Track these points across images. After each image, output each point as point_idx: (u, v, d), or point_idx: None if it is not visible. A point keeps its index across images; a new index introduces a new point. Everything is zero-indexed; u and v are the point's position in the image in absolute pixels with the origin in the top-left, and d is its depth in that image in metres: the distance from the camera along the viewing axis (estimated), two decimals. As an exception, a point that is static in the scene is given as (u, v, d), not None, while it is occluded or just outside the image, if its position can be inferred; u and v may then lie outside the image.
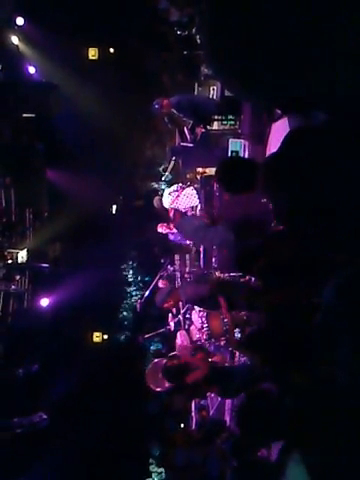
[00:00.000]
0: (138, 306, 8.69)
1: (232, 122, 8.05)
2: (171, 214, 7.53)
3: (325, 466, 2.45)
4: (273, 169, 2.54)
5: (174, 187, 8.10)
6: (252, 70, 1.89)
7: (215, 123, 8.28)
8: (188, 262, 8.44)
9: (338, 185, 2.22)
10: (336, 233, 2.39)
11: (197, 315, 6.07)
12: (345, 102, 2.00)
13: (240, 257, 4.07)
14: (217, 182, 3.20)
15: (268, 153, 4.96)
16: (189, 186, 8.07)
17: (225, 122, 8.21)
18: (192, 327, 6.95)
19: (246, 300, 5.09)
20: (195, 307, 6.36)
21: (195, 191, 7.93)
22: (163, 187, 8.85)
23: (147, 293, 8.45)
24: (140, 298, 8.58)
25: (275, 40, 1.79)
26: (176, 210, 7.42)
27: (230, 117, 8.09)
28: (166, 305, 7.04)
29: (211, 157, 7.18)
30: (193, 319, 6.56)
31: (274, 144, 4.51)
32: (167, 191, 8.12)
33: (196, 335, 6.81)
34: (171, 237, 8.33)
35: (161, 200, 8.11)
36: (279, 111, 3.80)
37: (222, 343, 5.86)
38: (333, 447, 2.42)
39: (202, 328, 6.30)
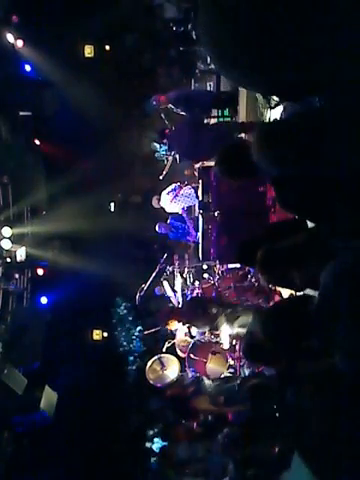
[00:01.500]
0: (137, 299, 8.69)
1: (229, 118, 8.06)
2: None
3: (325, 457, 2.45)
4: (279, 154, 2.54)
5: (172, 186, 8.11)
6: (252, 60, 1.90)
7: (212, 120, 8.29)
8: (187, 262, 8.45)
9: (344, 171, 2.21)
10: (341, 220, 2.39)
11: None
12: (346, 88, 2.01)
13: (240, 249, 4.05)
14: (217, 165, 3.15)
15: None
16: (186, 185, 8.08)
17: (221, 119, 8.21)
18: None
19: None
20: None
21: (193, 190, 7.94)
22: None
23: (145, 286, 8.47)
24: (139, 291, 8.58)
25: (275, 29, 1.79)
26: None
27: (226, 113, 8.10)
28: (168, 327, 7.11)
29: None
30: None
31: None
32: (165, 191, 8.13)
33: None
34: (171, 236, 8.33)
35: (159, 199, 8.13)
36: (276, 98, 3.81)
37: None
38: (334, 438, 2.42)
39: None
